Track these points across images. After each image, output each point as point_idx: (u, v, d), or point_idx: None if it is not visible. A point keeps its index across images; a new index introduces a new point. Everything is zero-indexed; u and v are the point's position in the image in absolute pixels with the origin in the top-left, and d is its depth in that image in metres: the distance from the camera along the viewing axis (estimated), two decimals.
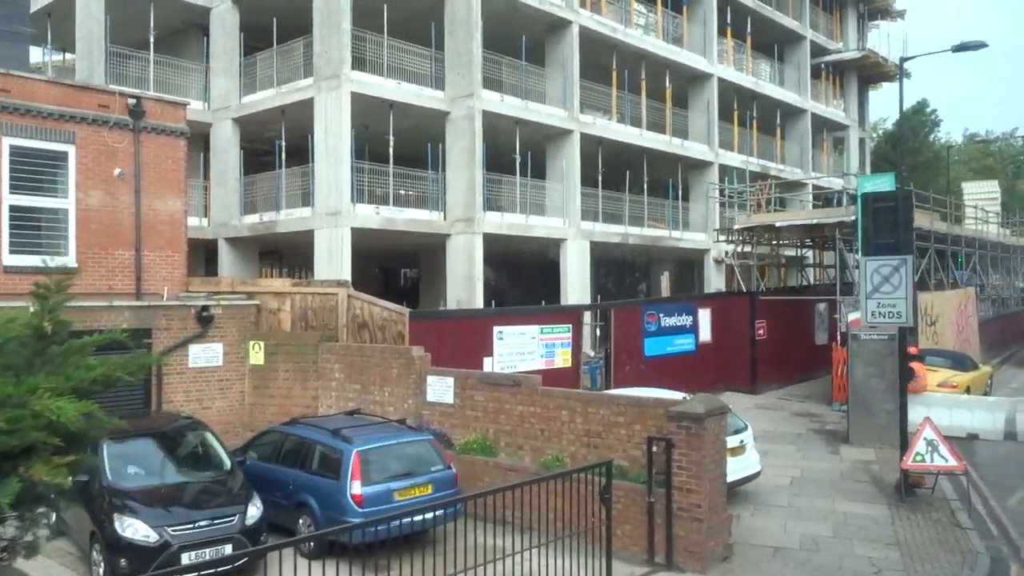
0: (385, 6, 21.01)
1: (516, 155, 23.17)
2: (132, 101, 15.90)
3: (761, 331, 23.20)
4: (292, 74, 21.49)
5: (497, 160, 25.03)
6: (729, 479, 12.44)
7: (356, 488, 10.46)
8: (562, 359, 17.68)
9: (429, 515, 9.54)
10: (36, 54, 23.74)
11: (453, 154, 22.03)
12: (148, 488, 10.27)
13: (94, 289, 15.07)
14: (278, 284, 16.95)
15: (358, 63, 20.70)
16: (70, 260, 14.82)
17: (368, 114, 21.58)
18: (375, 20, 21.07)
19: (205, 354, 15.77)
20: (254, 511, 10.28)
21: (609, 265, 34.72)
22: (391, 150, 21.05)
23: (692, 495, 10.30)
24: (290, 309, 16.52)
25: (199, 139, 23.70)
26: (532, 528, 9.76)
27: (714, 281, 29.93)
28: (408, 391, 14.09)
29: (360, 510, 10.33)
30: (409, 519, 8.08)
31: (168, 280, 16.26)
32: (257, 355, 16.12)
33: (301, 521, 11.07)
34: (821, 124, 38.82)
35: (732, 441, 12.76)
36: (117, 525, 9.53)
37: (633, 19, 28.19)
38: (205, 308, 15.73)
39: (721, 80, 31.07)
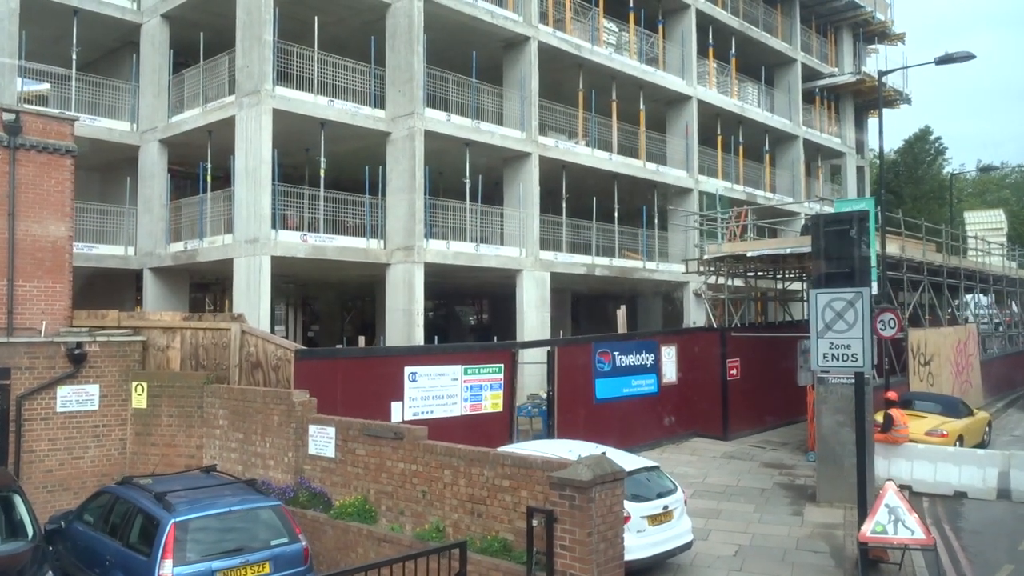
0: (316, 17, 19.49)
1: (466, 179, 21.41)
2: (8, 116, 14.33)
3: (734, 371, 21.13)
4: (219, 91, 19.93)
5: (447, 185, 23.37)
6: (649, 553, 10.57)
7: (166, 568, 8.55)
8: (491, 403, 15.72)
9: None
10: None
11: (394, 177, 20.32)
12: None
13: None
14: (167, 318, 15.17)
15: (286, 79, 19.11)
16: None
17: (301, 135, 19.99)
18: (311, 35, 19.55)
19: (77, 397, 13.97)
20: None
21: (586, 299, 32.87)
22: (321, 172, 19.37)
23: None
24: (179, 346, 14.74)
25: (129, 163, 22.22)
26: None
27: (694, 315, 27.90)
28: (288, 442, 12.20)
29: None
30: None
31: (47, 313, 14.54)
32: (140, 398, 14.32)
33: None
34: (815, 151, 36.92)
35: (654, 507, 10.84)
36: None
37: (602, 37, 26.54)
38: (78, 345, 13.96)
39: (702, 103, 29.30)
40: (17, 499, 9.76)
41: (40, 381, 13.65)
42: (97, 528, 10.08)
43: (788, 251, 20.01)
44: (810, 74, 35.97)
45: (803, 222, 30.72)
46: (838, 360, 11.39)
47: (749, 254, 20.94)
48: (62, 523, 10.47)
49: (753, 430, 21.59)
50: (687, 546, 11.23)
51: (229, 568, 8.81)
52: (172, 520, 8.83)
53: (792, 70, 34.83)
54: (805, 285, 25.08)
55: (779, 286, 26.59)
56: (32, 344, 13.70)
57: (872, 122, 43.63)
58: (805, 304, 28.67)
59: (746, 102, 32.96)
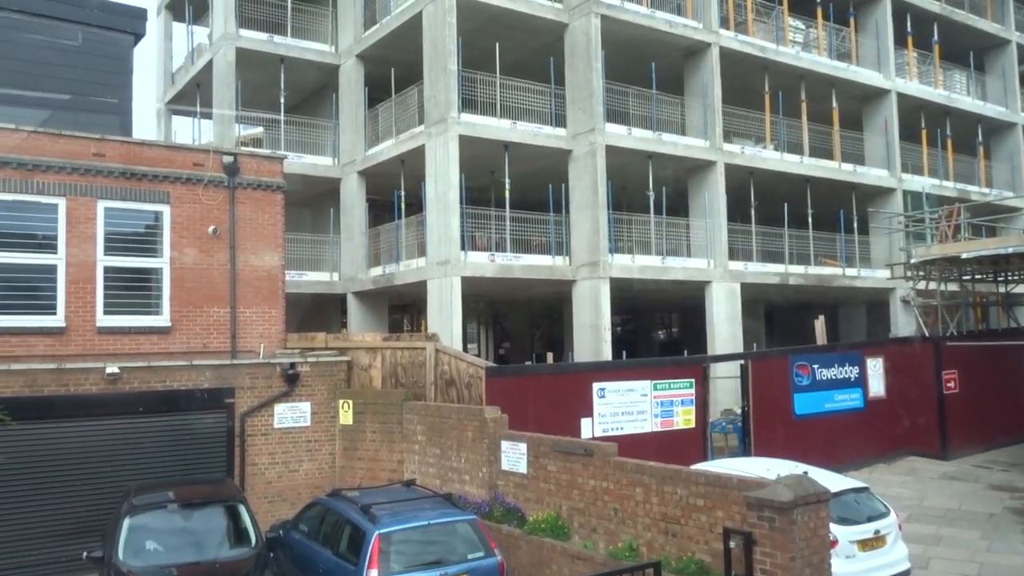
0: (497, 44, 20.07)
1: (649, 191, 21.18)
2: (228, 158, 15.80)
3: (951, 383, 19.43)
4: (409, 123, 21.00)
5: (630, 198, 23.23)
6: None
7: None
8: (683, 419, 15.36)
9: None
10: (186, 124, 24.96)
11: (577, 194, 20.47)
12: (154, 569, 9.38)
13: (188, 348, 14.88)
14: (369, 339, 16.07)
15: (470, 105, 19.81)
16: (164, 319, 14.76)
17: (486, 158, 20.60)
18: (492, 61, 20.18)
19: (292, 414, 15.07)
20: None
21: (780, 310, 31.45)
22: (507, 194, 19.85)
23: None
24: (380, 365, 15.56)
25: (332, 195, 23.84)
26: None
27: (902, 324, 25.94)
28: (482, 458, 12.52)
29: None
30: None
31: (265, 337, 15.84)
32: (346, 414, 15.23)
33: None
34: None
35: (864, 531, 10.13)
36: None
37: (788, 36, 25.43)
38: (291, 366, 15.07)
39: (902, 96, 27.33)
40: (242, 509, 10.65)
41: (260, 399, 14.85)
42: (311, 537, 10.80)
43: (1010, 250, 18.14)
44: None
45: None
46: None
47: (964, 255, 19.19)
48: (281, 532, 11.30)
49: (977, 448, 19.70)
50: (904, 574, 10.38)
51: None
52: (377, 532, 9.28)
53: (1006, 52, 31.72)
54: None
55: (1001, 289, 24.17)
56: (253, 365, 14.94)
57: None
58: None
59: (953, 91, 30.41)
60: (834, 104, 25.73)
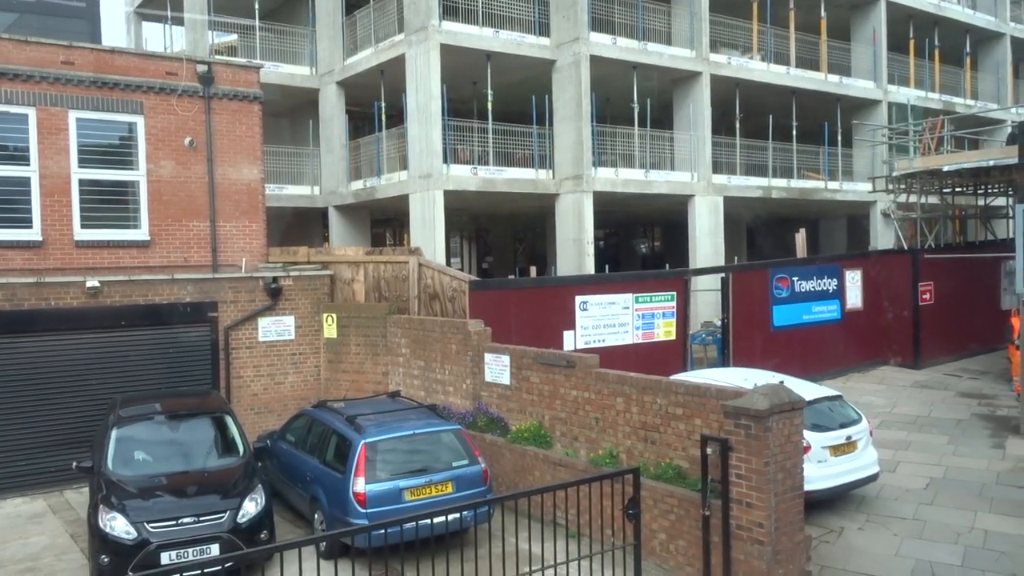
0: None
1: (634, 103, 20.90)
2: (202, 67, 15.36)
3: (927, 295, 19.75)
4: (388, 31, 20.43)
5: (615, 111, 22.92)
6: (830, 484, 10.29)
7: (359, 485, 9.20)
8: (664, 331, 15.57)
9: (450, 517, 8.12)
10: (156, 30, 24.19)
11: (560, 106, 20.17)
12: (143, 478, 9.53)
13: (168, 262, 14.78)
14: (351, 253, 16.03)
15: (451, 13, 19.25)
16: (143, 233, 14.61)
17: (468, 68, 20.16)
18: None
19: (276, 327, 15.13)
20: (251, 507, 9.25)
21: (763, 224, 31.55)
22: (489, 105, 19.51)
23: (753, 511, 8.18)
24: (363, 279, 15.57)
25: (311, 106, 23.35)
26: (580, 533, 8.45)
27: (882, 237, 26.15)
28: (466, 369, 12.69)
29: (363, 511, 9.10)
30: (430, 522, 6.98)
31: (246, 251, 15.73)
32: (331, 328, 15.31)
33: (316, 517, 10.02)
34: None
35: (836, 437, 10.46)
36: (100, 518, 8.83)
37: None
38: (274, 280, 15.05)
39: (891, 4, 26.80)
40: (229, 420, 10.78)
41: (243, 313, 14.86)
42: (298, 447, 10.99)
43: (991, 163, 18.19)
44: None
45: (1009, 130, 27.80)
46: None
47: (945, 168, 19.22)
48: (268, 442, 11.49)
49: (948, 358, 20.21)
50: (872, 478, 10.78)
51: (415, 487, 9.36)
52: (363, 441, 9.46)
53: None
54: (1011, 200, 22.84)
55: (980, 202, 24.34)
56: (235, 279, 14.89)
57: None
58: (1011, 221, 26.15)
59: (943, 0, 29.85)
60: (823, 13, 25.23)
